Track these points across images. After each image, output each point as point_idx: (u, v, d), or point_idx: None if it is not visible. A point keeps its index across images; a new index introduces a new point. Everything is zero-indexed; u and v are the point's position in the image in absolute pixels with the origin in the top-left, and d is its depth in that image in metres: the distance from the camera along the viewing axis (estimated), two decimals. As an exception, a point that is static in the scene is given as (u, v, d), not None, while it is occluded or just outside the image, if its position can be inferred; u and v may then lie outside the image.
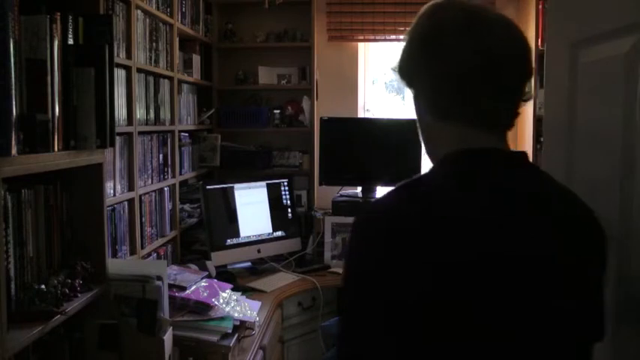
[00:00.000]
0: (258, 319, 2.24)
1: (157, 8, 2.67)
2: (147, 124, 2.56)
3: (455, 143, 0.90)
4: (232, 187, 3.08)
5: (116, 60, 2.03)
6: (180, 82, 3.04)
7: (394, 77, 0.99)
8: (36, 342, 1.40)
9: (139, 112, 2.45)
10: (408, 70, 0.95)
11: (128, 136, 2.33)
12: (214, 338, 1.95)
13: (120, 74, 2.23)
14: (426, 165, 1.35)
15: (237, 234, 3.02)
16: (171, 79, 2.89)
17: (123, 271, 1.75)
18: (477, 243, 0.83)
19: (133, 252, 2.34)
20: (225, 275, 2.77)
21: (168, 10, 2.83)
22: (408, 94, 1.04)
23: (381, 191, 3.39)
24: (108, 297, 1.70)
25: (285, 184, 3.33)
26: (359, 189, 3.53)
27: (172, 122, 2.91)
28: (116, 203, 2.18)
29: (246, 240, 3.06)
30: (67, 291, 1.51)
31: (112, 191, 2.15)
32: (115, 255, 2.14)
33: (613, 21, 1.06)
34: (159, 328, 1.72)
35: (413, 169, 3.20)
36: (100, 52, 1.61)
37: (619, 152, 1.03)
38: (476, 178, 0.88)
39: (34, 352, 1.47)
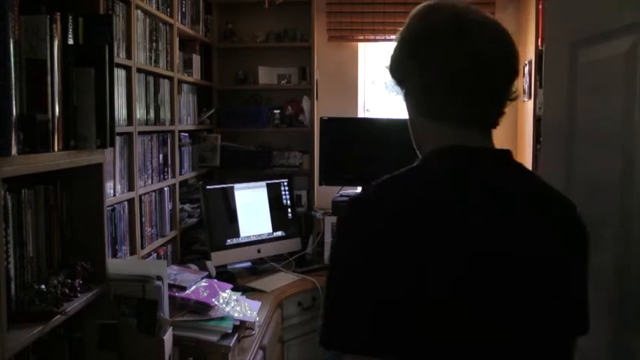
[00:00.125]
0: (258, 319, 2.24)
1: (157, 8, 2.67)
2: (147, 124, 2.56)
3: (442, 141, 0.93)
4: (232, 187, 3.08)
5: (116, 60, 2.03)
6: (180, 82, 3.04)
7: (387, 62, 1.01)
8: (36, 342, 1.40)
9: (139, 112, 2.45)
10: (399, 69, 0.97)
11: (128, 136, 2.33)
12: (214, 338, 1.95)
13: (120, 74, 2.23)
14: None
15: (237, 234, 3.02)
16: (171, 79, 2.89)
17: (123, 271, 1.75)
18: (466, 241, 0.85)
19: (133, 252, 2.34)
20: (225, 275, 2.77)
21: (168, 10, 2.84)
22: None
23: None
24: (108, 297, 1.70)
25: (285, 184, 3.33)
26: (359, 189, 3.53)
27: (172, 122, 2.91)
28: (116, 203, 2.18)
29: (246, 240, 3.06)
30: (67, 291, 1.51)
31: (112, 191, 2.15)
32: (115, 255, 2.14)
33: (612, 21, 1.06)
34: (159, 328, 1.72)
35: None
36: (100, 52, 1.61)
37: (619, 152, 1.03)
38: (464, 175, 0.90)
39: (34, 352, 1.47)
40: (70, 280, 1.54)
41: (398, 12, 3.72)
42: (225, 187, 3.07)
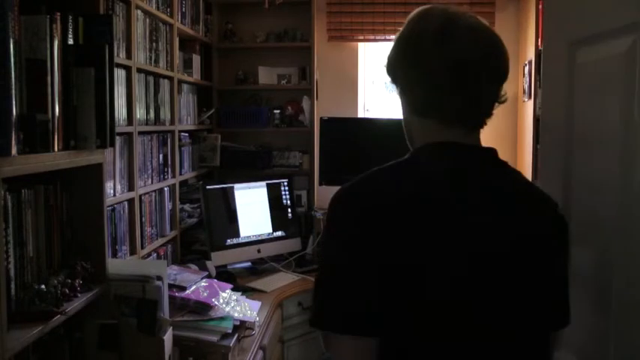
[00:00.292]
0: (258, 319, 2.24)
1: (157, 8, 2.67)
2: (147, 124, 2.56)
3: (429, 137, 1.00)
4: (232, 187, 3.08)
5: (116, 60, 2.03)
6: (180, 82, 3.04)
7: (384, 61, 1.08)
8: (36, 342, 1.40)
9: (139, 112, 2.45)
10: (393, 68, 1.03)
11: (128, 136, 2.33)
12: (214, 338, 1.95)
13: (120, 74, 2.23)
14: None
15: (237, 234, 3.02)
16: (171, 79, 2.89)
17: (123, 271, 1.75)
18: (447, 230, 0.92)
19: (133, 252, 2.34)
20: (225, 275, 2.77)
21: (168, 10, 2.84)
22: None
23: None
24: (108, 297, 1.70)
25: (285, 184, 3.33)
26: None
27: (172, 122, 2.91)
28: (116, 203, 2.19)
29: (246, 240, 3.06)
30: (67, 291, 1.51)
31: (112, 191, 2.15)
32: (115, 255, 2.14)
33: (611, 20, 1.06)
34: (159, 328, 1.72)
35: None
36: (100, 52, 1.61)
37: (617, 152, 1.03)
38: (449, 170, 0.96)
39: (34, 352, 1.47)
40: (70, 280, 1.54)
41: (398, 12, 3.72)
42: (225, 187, 3.07)
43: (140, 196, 2.44)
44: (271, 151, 3.67)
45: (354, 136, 3.54)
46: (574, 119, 1.22)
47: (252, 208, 3.14)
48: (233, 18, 3.73)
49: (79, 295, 1.56)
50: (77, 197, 1.69)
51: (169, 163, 2.86)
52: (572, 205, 1.23)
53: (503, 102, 1.02)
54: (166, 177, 2.82)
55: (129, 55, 2.32)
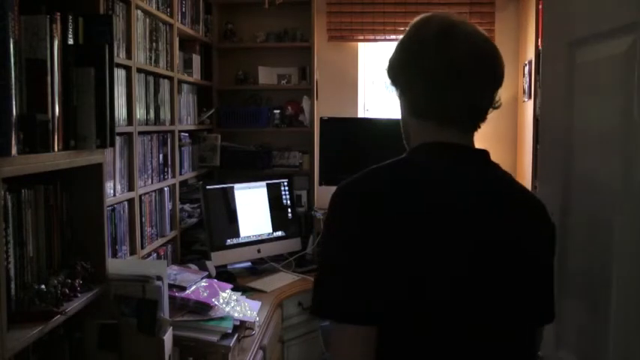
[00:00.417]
0: (258, 319, 2.24)
1: (157, 8, 2.67)
2: (147, 124, 2.56)
3: (426, 137, 1.05)
4: (232, 187, 3.08)
5: (116, 60, 2.03)
6: (180, 82, 3.04)
7: (385, 65, 1.12)
8: (36, 342, 1.40)
9: (139, 112, 2.45)
10: (394, 71, 1.08)
11: (128, 136, 2.33)
12: (214, 338, 1.95)
13: (120, 74, 2.23)
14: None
15: (237, 234, 3.02)
16: (171, 79, 2.89)
17: (123, 271, 1.75)
18: (439, 227, 0.96)
19: (133, 252, 2.34)
20: (225, 275, 2.77)
21: (169, 10, 2.84)
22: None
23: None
24: (108, 297, 1.70)
25: (285, 184, 3.33)
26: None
27: (172, 122, 2.91)
28: (116, 203, 2.19)
29: (246, 240, 3.06)
30: (67, 291, 1.51)
31: (112, 191, 2.15)
32: (115, 255, 2.14)
33: (611, 20, 1.06)
34: (159, 328, 1.72)
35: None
36: (100, 52, 1.61)
37: (617, 152, 1.03)
38: (441, 169, 1.01)
39: (34, 352, 1.47)
40: (70, 280, 1.54)
41: (398, 12, 3.72)
42: (225, 187, 3.07)
43: (140, 196, 2.44)
44: (271, 151, 3.67)
45: (354, 136, 3.54)
46: (574, 119, 1.22)
47: (252, 208, 3.14)
48: (233, 18, 3.73)
49: (79, 295, 1.56)
50: (77, 197, 1.69)
51: (169, 163, 2.86)
52: (572, 205, 1.23)
53: (497, 107, 1.07)
54: (166, 177, 2.82)
55: (129, 55, 2.32)
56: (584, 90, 1.18)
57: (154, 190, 2.64)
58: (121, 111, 2.23)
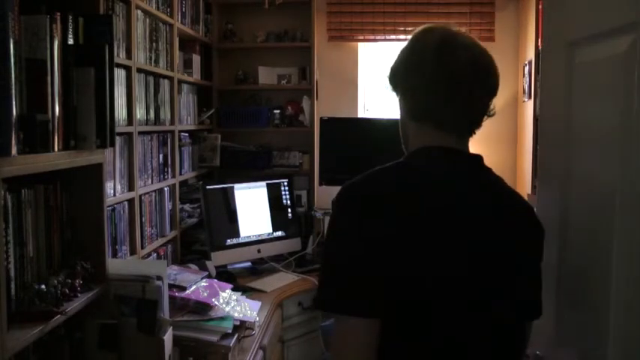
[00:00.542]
0: (258, 319, 2.24)
1: (157, 8, 2.67)
2: (147, 124, 2.56)
3: (424, 140, 1.11)
4: (232, 187, 3.08)
5: (116, 60, 2.03)
6: (180, 82, 3.04)
7: (387, 72, 1.18)
8: (36, 342, 1.40)
9: (139, 112, 2.45)
10: (395, 77, 1.15)
11: (128, 136, 2.33)
12: (214, 338, 1.95)
13: (120, 74, 2.23)
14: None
15: (237, 234, 3.02)
16: (171, 79, 2.89)
17: (123, 271, 1.75)
18: (437, 226, 1.02)
19: (133, 252, 2.34)
20: (225, 275, 2.77)
21: (169, 10, 2.84)
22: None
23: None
24: (108, 297, 1.70)
25: (285, 184, 3.33)
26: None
27: (172, 122, 2.91)
28: (116, 203, 2.19)
29: (246, 240, 3.06)
30: (67, 291, 1.51)
31: (112, 191, 2.15)
32: (115, 255, 2.14)
33: (611, 20, 1.06)
34: (159, 328, 1.72)
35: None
36: (100, 52, 1.61)
37: (617, 151, 1.03)
38: (435, 170, 1.08)
39: (34, 352, 1.47)
40: (70, 280, 1.54)
41: (398, 12, 3.72)
42: (225, 187, 3.07)
43: (140, 196, 2.44)
44: (271, 151, 3.67)
45: (353, 136, 3.55)
46: (573, 119, 1.22)
47: (252, 208, 3.14)
48: (233, 18, 3.73)
49: (79, 295, 1.56)
50: (77, 197, 1.69)
51: (169, 163, 2.86)
52: (572, 204, 1.23)
53: (491, 115, 1.13)
54: (166, 177, 2.82)
55: (129, 55, 2.32)
56: (583, 90, 1.18)
57: (154, 190, 2.65)
58: (121, 111, 2.23)
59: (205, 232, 2.94)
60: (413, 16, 3.71)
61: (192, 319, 1.98)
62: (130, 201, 2.34)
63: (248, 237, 3.07)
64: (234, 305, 2.15)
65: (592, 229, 1.14)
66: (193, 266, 2.59)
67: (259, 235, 3.12)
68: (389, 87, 1.18)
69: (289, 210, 3.31)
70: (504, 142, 3.73)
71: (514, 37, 3.72)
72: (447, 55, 1.07)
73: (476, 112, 1.11)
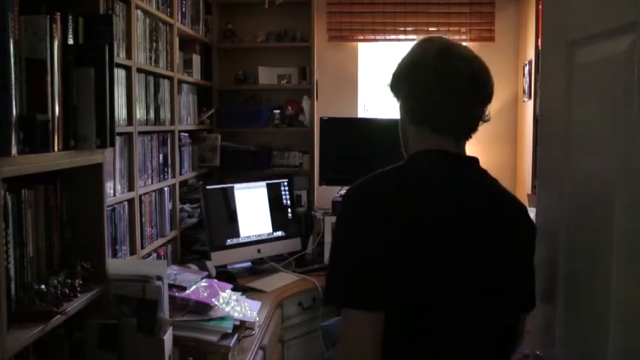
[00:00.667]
0: (258, 319, 2.24)
1: (157, 8, 2.67)
2: (147, 124, 2.56)
3: (424, 143, 1.19)
4: (232, 187, 3.08)
5: (116, 60, 2.03)
6: (180, 82, 3.04)
7: (388, 80, 1.27)
8: (36, 342, 1.40)
9: (139, 112, 2.45)
10: (397, 84, 1.23)
11: (128, 136, 2.33)
12: (214, 338, 1.95)
13: (120, 74, 2.23)
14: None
15: (237, 234, 3.02)
16: (171, 79, 2.89)
17: (123, 271, 1.75)
18: (438, 223, 1.09)
19: (133, 252, 2.34)
20: (225, 275, 2.77)
21: (169, 10, 2.84)
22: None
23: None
24: (108, 297, 1.70)
25: (285, 184, 3.33)
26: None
27: (172, 122, 2.91)
28: (116, 203, 2.19)
29: (246, 240, 3.06)
30: (67, 291, 1.51)
31: (112, 191, 2.15)
32: (115, 255, 2.14)
33: (611, 20, 1.06)
34: (159, 328, 1.72)
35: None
36: (100, 52, 1.61)
37: (617, 152, 1.03)
38: (435, 172, 1.15)
39: (34, 352, 1.47)
40: (70, 280, 1.54)
41: (398, 12, 3.72)
42: (225, 187, 3.07)
43: (140, 196, 2.44)
44: (271, 151, 3.67)
45: (354, 136, 3.55)
46: (573, 119, 1.22)
47: (252, 208, 3.14)
48: (233, 18, 3.73)
49: (79, 295, 1.56)
50: (77, 197, 1.69)
51: (169, 163, 2.86)
52: (572, 204, 1.23)
53: (486, 121, 1.21)
54: (166, 177, 2.82)
55: (129, 55, 2.32)
56: (583, 90, 1.18)
57: (154, 190, 2.65)
58: (121, 111, 2.23)
59: (205, 232, 2.94)
60: (413, 16, 3.71)
61: (192, 319, 1.98)
62: (130, 201, 2.34)
63: (248, 237, 3.07)
64: (234, 305, 2.15)
65: (592, 229, 1.14)
66: (193, 266, 2.59)
67: (259, 235, 3.12)
68: (390, 93, 1.26)
69: (289, 210, 3.31)
70: (504, 142, 3.73)
71: (514, 37, 3.72)
72: (446, 65, 1.15)
73: (472, 118, 1.19)
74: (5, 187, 1.31)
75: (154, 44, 2.65)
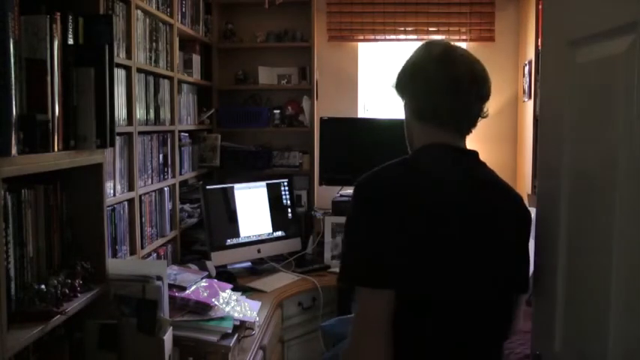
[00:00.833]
0: (258, 319, 2.24)
1: (157, 8, 2.67)
2: (147, 124, 2.56)
3: (428, 138, 1.29)
4: (232, 187, 3.08)
5: (116, 60, 2.03)
6: (180, 82, 3.04)
7: (392, 79, 1.37)
8: (36, 342, 1.40)
9: (139, 112, 2.45)
10: (402, 84, 1.33)
11: (128, 136, 2.33)
12: (214, 338, 1.95)
13: (120, 74, 2.23)
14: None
15: (237, 234, 3.03)
16: (171, 79, 2.89)
17: (123, 271, 1.75)
18: (445, 211, 1.20)
19: (133, 252, 2.34)
20: (225, 275, 2.77)
21: (169, 10, 2.84)
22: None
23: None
24: (108, 297, 1.70)
25: (285, 184, 3.33)
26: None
27: (172, 122, 2.91)
28: (116, 203, 2.19)
29: (246, 240, 3.06)
30: (67, 291, 1.51)
31: (112, 191, 2.15)
32: (115, 255, 2.14)
33: (611, 20, 1.06)
34: (159, 328, 1.72)
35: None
36: (100, 52, 1.61)
37: (617, 152, 1.03)
38: (439, 164, 1.25)
39: (34, 352, 1.47)
40: (70, 280, 1.54)
41: (398, 12, 3.72)
42: (225, 187, 3.07)
43: (140, 196, 2.44)
44: (271, 151, 3.67)
45: (354, 136, 3.55)
46: (573, 119, 1.22)
47: (252, 208, 3.14)
48: (233, 18, 3.73)
49: (79, 295, 1.56)
50: (77, 197, 1.69)
51: (169, 163, 2.86)
52: (571, 204, 1.23)
53: (485, 117, 1.32)
54: (166, 177, 2.82)
55: (129, 55, 2.32)
56: (584, 90, 1.18)
57: (154, 190, 2.65)
58: (121, 111, 2.24)
59: (205, 232, 2.94)
60: (413, 16, 3.71)
61: (192, 319, 1.98)
62: (130, 201, 2.34)
63: (248, 237, 3.07)
64: (234, 305, 2.15)
65: (592, 229, 1.14)
66: (193, 266, 2.59)
67: (259, 235, 3.12)
68: (395, 92, 1.36)
69: (289, 210, 3.31)
70: (504, 142, 3.73)
71: (514, 37, 3.72)
72: (448, 65, 1.25)
73: (472, 115, 1.29)
74: (5, 187, 1.31)
75: (154, 44, 2.65)
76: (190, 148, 3.27)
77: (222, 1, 3.68)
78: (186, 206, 3.11)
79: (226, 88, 3.72)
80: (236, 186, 3.09)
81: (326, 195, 3.61)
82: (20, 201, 1.41)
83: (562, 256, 1.26)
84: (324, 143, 3.54)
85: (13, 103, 1.26)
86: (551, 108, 1.35)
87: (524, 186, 3.45)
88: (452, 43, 1.33)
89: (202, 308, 2.03)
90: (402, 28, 3.73)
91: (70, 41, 1.54)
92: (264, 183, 3.24)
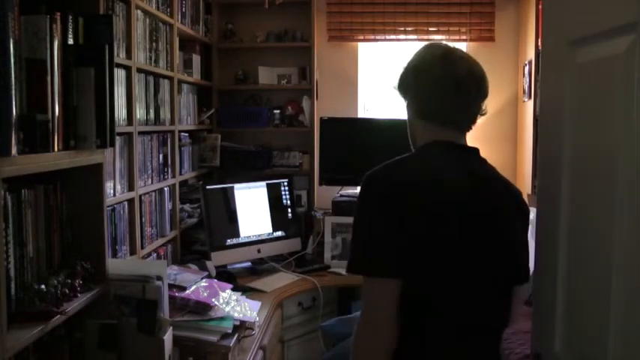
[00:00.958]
0: (258, 319, 2.24)
1: (157, 8, 2.67)
2: (147, 124, 2.56)
3: (430, 136, 1.36)
4: (232, 187, 3.08)
5: (116, 60, 2.03)
6: (180, 82, 3.04)
7: (394, 80, 1.42)
8: (36, 342, 1.40)
9: (139, 112, 2.45)
10: (404, 84, 1.39)
11: (128, 136, 2.33)
12: (214, 338, 1.95)
13: (120, 74, 2.23)
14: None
15: (237, 234, 3.03)
16: (171, 79, 2.89)
17: (123, 271, 1.75)
18: (451, 203, 1.25)
19: (133, 252, 2.34)
20: (225, 275, 2.77)
21: (169, 10, 2.84)
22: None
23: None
24: (108, 297, 1.70)
25: (285, 184, 3.33)
26: (359, 189, 3.52)
27: (172, 122, 2.91)
28: (116, 203, 2.19)
29: (246, 240, 3.06)
30: (67, 291, 1.51)
31: (112, 191, 2.15)
32: (115, 255, 2.14)
33: (611, 20, 1.06)
34: (159, 328, 1.72)
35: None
36: (100, 52, 1.61)
37: (617, 152, 1.03)
38: (440, 159, 1.32)
39: (34, 352, 1.47)
40: (70, 280, 1.54)
41: (398, 12, 3.72)
42: (225, 187, 3.07)
43: (140, 196, 2.44)
44: (271, 151, 3.67)
45: (354, 136, 3.54)
46: (573, 119, 1.22)
47: (252, 208, 3.14)
48: (233, 18, 3.73)
49: (79, 295, 1.56)
50: (77, 197, 1.69)
51: (169, 163, 2.86)
52: (571, 204, 1.23)
53: (483, 114, 1.39)
54: (166, 177, 2.82)
55: (129, 55, 2.32)
56: (584, 90, 1.18)
57: (154, 190, 2.65)
58: (121, 111, 2.23)
59: (205, 232, 2.94)
60: (413, 16, 3.71)
61: (192, 319, 1.98)
62: (130, 201, 2.34)
63: (248, 237, 3.07)
64: (234, 305, 2.15)
65: (592, 229, 1.14)
66: (193, 266, 2.59)
67: (259, 235, 3.12)
68: (398, 93, 1.41)
69: (289, 210, 3.31)
70: (504, 142, 3.73)
71: (514, 37, 3.72)
72: (449, 65, 1.31)
73: (472, 113, 1.36)
74: (5, 187, 1.32)
75: (154, 44, 2.65)
76: (190, 148, 3.27)
77: (222, 1, 3.68)
78: (186, 206, 3.11)
79: (226, 88, 3.72)
80: (236, 186, 3.09)
81: (326, 195, 3.60)
82: (20, 201, 1.41)
83: (562, 256, 1.26)
84: (324, 143, 3.54)
85: (13, 103, 1.26)
86: (551, 108, 1.35)
87: (524, 186, 3.45)
88: (450, 45, 1.40)
89: (202, 308, 2.03)
90: (402, 28, 3.73)
91: (70, 41, 1.54)
92: (264, 183, 3.24)
